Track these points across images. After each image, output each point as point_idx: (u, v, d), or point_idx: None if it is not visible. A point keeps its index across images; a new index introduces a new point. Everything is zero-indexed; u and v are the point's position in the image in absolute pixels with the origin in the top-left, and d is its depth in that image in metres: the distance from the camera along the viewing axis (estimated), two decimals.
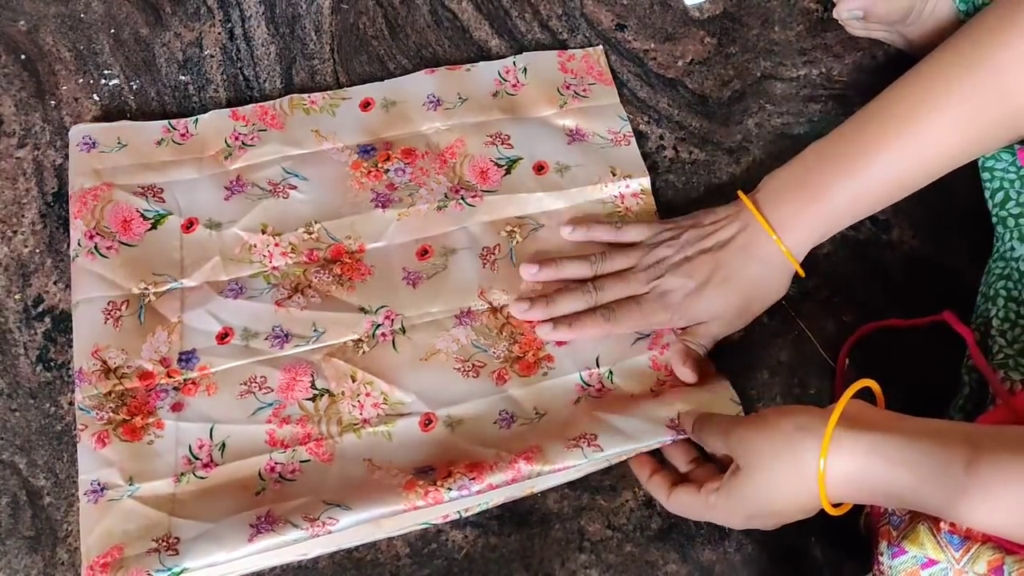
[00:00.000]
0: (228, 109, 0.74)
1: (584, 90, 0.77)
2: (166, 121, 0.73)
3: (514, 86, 0.77)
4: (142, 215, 0.69)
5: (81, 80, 0.76)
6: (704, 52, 0.80)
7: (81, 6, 0.80)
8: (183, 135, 0.73)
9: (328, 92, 0.76)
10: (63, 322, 0.66)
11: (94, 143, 0.71)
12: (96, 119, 0.74)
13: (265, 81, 0.77)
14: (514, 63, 0.78)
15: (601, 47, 0.80)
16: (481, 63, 0.78)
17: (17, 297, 0.68)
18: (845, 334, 0.67)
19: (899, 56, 0.79)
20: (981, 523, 0.46)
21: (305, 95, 0.75)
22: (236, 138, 0.73)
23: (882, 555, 0.52)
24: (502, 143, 0.74)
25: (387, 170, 0.72)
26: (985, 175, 0.67)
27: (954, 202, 0.73)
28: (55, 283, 0.68)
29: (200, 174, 0.71)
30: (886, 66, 0.79)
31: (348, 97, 0.76)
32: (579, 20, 0.82)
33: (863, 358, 0.67)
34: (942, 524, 0.50)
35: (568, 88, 0.77)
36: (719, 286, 0.63)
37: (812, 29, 0.81)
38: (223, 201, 0.70)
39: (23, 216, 0.71)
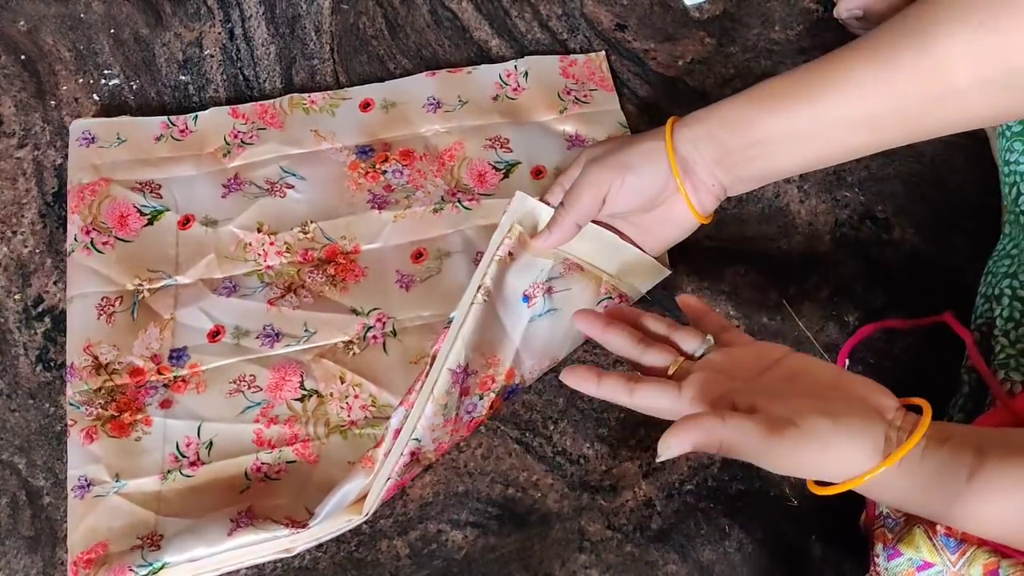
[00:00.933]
0: (228, 107, 0.75)
1: (585, 96, 0.77)
2: (166, 117, 0.74)
3: (515, 90, 0.77)
4: (139, 211, 0.69)
5: (81, 80, 0.76)
6: (704, 52, 0.80)
7: (81, 6, 0.80)
8: (182, 131, 0.73)
9: (328, 92, 0.76)
10: (63, 322, 0.66)
11: (93, 138, 0.71)
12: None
13: (265, 81, 0.77)
14: (515, 67, 0.78)
15: (603, 53, 0.79)
16: (482, 66, 0.78)
17: (17, 297, 0.68)
18: (845, 334, 0.67)
19: None
20: (978, 529, 0.45)
21: (305, 95, 0.75)
22: (235, 136, 0.73)
23: (878, 557, 0.52)
24: (501, 147, 0.74)
25: (384, 171, 0.72)
26: (1004, 168, 0.65)
27: (955, 202, 0.73)
28: (55, 283, 0.68)
29: (198, 171, 0.71)
30: None
31: (348, 97, 0.76)
32: (579, 20, 0.82)
33: (863, 358, 0.67)
34: (938, 527, 0.49)
35: (569, 93, 0.77)
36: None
37: (812, 29, 0.81)
38: (220, 198, 0.70)
39: (23, 216, 0.71)
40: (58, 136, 0.74)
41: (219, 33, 0.79)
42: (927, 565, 0.50)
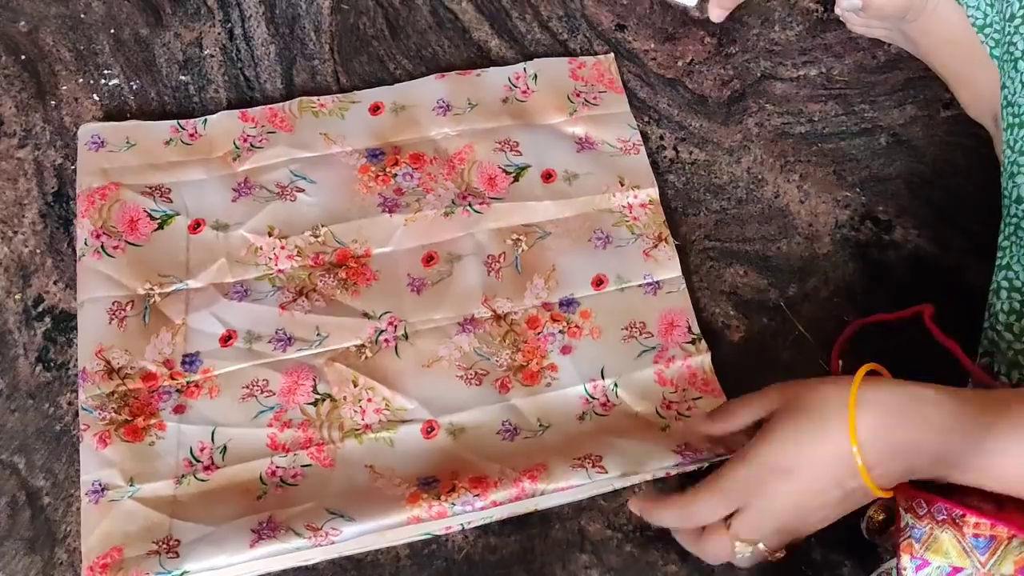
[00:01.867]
0: (237, 110, 0.74)
1: (594, 98, 0.77)
2: (175, 121, 0.73)
3: (524, 93, 0.77)
4: (149, 215, 0.69)
5: (81, 80, 0.76)
6: (704, 52, 0.80)
7: (81, 6, 0.80)
8: (192, 135, 0.73)
9: (338, 95, 0.75)
10: (63, 322, 0.66)
11: (103, 142, 0.71)
12: (96, 119, 0.74)
13: (265, 81, 0.77)
14: (524, 69, 0.78)
15: (612, 55, 0.79)
16: (491, 69, 0.78)
17: (17, 297, 0.68)
18: None
19: (899, 56, 0.79)
20: (1000, 481, 0.46)
21: (315, 98, 0.75)
22: (245, 140, 0.73)
23: (905, 570, 0.52)
24: (511, 150, 0.74)
25: (395, 175, 0.72)
26: (1013, 168, 0.64)
27: (957, 201, 0.73)
28: (55, 283, 0.68)
29: (208, 175, 0.71)
30: (886, 66, 0.79)
31: (358, 101, 0.75)
32: (579, 21, 0.82)
33: (862, 359, 0.66)
34: (966, 529, 0.49)
35: (578, 96, 0.77)
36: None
37: (812, 29, 0.81)
38: (230, 202, 0.70)
39: (23, 216, 0.71)
40: (58, 136, 0.73)
41: (219, 33, 0.79)
42: (956, 570, 0.50)
